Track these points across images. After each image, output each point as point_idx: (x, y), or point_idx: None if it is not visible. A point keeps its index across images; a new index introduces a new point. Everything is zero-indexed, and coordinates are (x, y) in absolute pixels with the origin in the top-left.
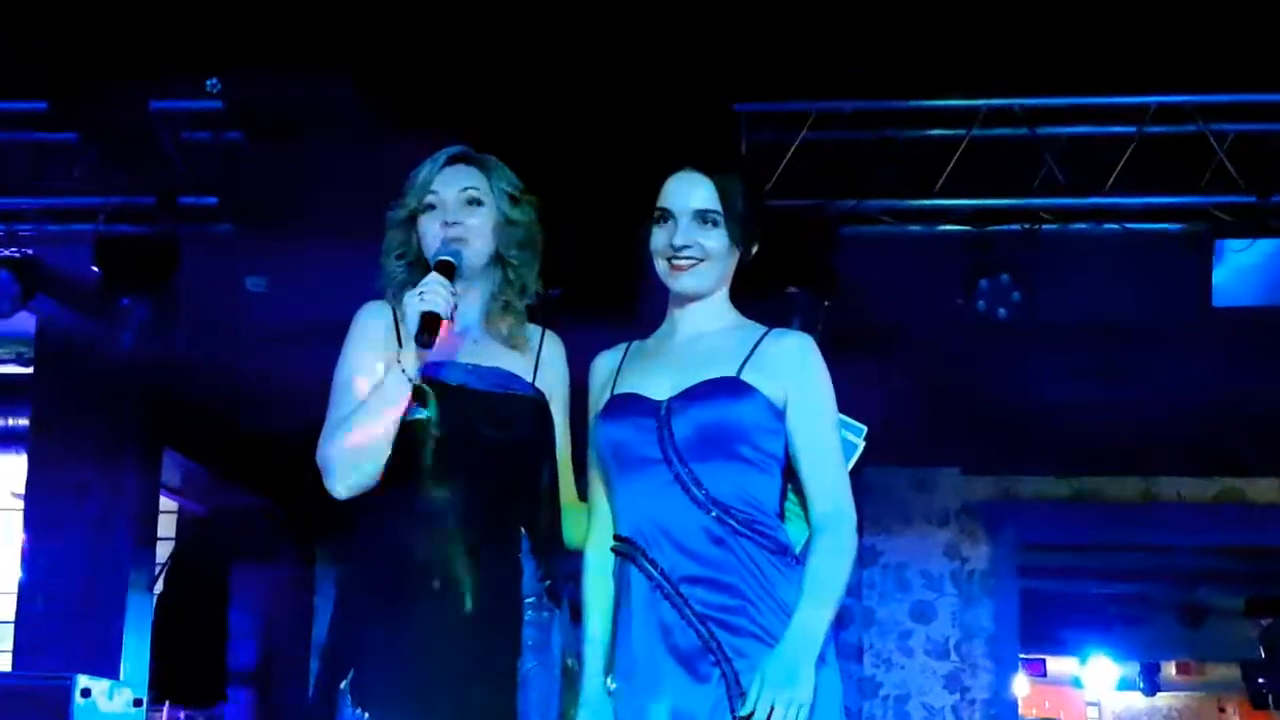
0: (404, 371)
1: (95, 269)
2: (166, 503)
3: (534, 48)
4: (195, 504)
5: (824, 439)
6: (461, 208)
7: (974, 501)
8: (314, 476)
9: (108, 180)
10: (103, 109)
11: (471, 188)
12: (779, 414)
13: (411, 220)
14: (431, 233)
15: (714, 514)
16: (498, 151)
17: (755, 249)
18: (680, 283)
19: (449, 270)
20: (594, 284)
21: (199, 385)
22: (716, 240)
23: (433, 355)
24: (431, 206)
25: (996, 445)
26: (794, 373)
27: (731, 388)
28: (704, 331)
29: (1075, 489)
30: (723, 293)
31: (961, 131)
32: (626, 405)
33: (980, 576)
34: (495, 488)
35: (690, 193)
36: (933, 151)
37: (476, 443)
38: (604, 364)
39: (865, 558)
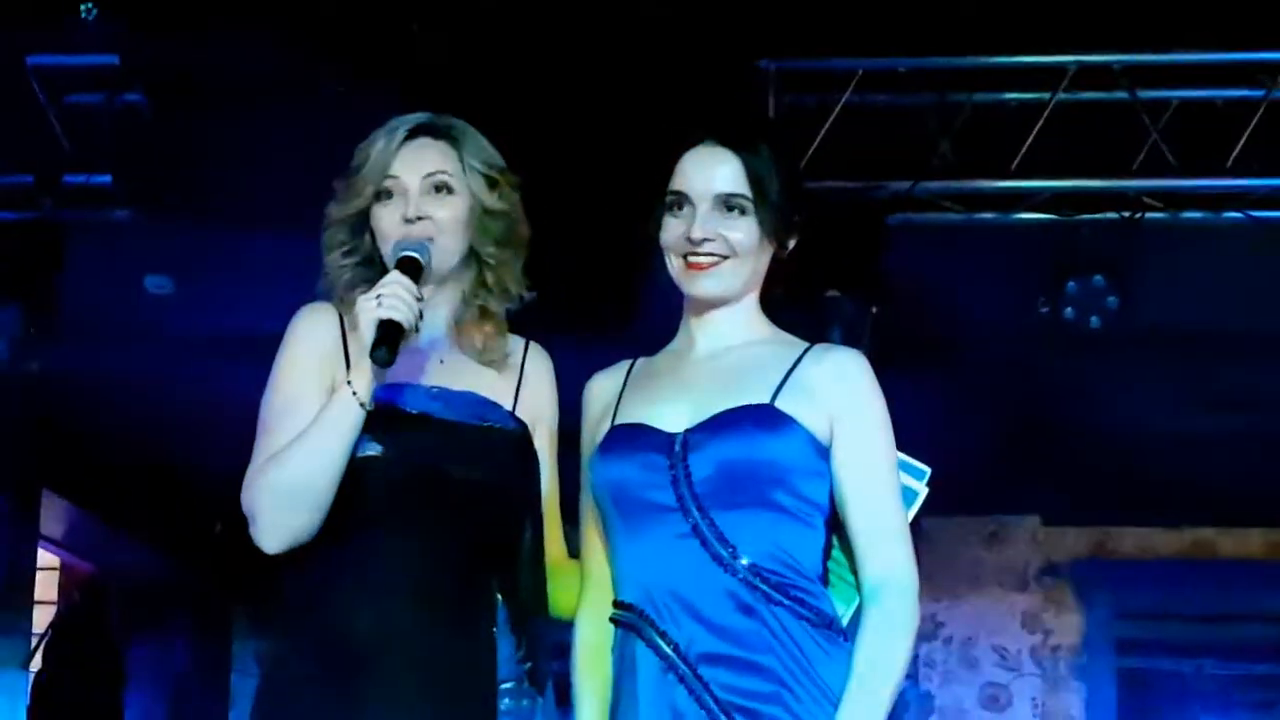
0: (354, 394)
1: None
2: (46, 558)
3: None
4: (82, 560)
5: (879, 483)
6: (427, 196)
7: (1060, 559)
8: (231, 526)
9: None
10: None
11: (440, 171)
12: (823, 451)
13: (363, 210)
14: (389, 225)
15: (742, 576)
16: (465, 117)
17: (793, 243)
18: (699, 285)
19: (414, 269)
20: (586, 285)
21: (87, 412)
22: (745, 232)
23: (390, 375)
24: (389, 194)
25: (1088, 488)
26: (842, 399)
27: (764, 418)
28: (728, 347)
29: (1187, 543)
30: (752, 298)
31: (1044, 95)
32: (631, 439)
33: (1068, 653)
34: (464, 543)
35: (712, 172)
36: (1008, 121)
37: (442, 486)
38: (602, 387)
39: (924, 630)
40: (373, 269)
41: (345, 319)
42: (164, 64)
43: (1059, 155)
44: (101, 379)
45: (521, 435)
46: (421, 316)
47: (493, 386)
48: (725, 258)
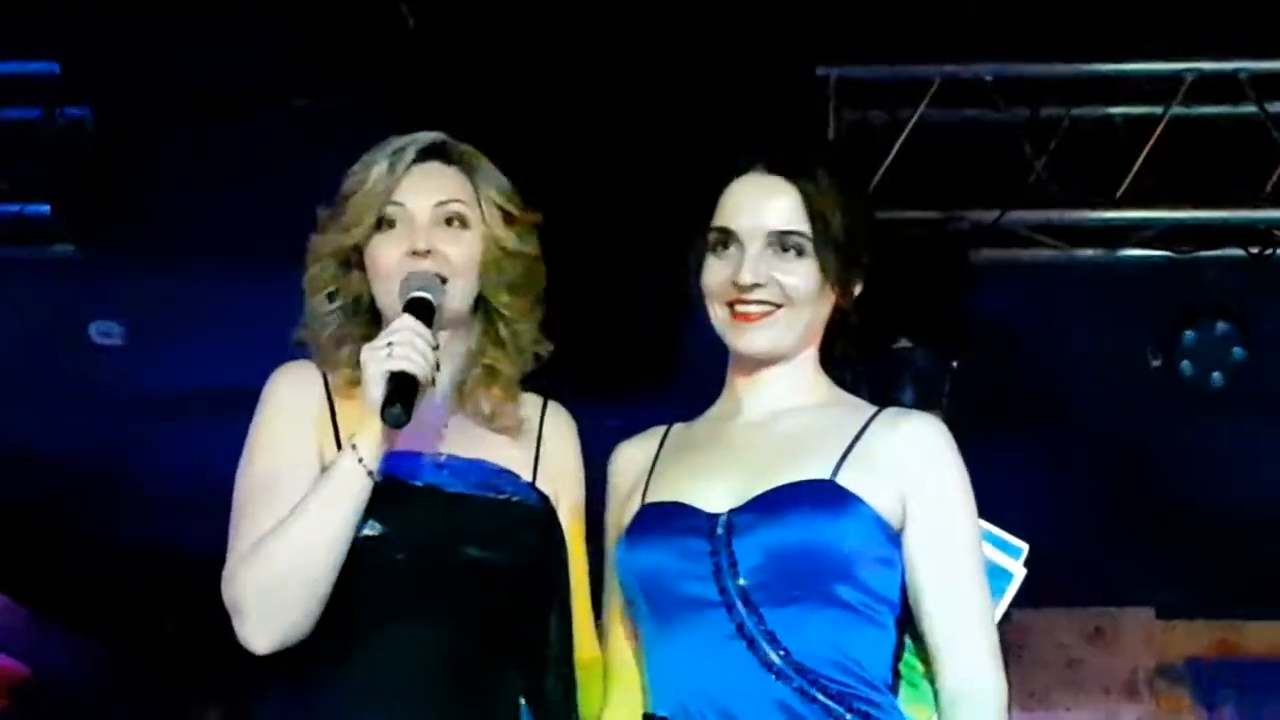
0: (360, 461)
1: None
2: None
3: None
4: (15, 660)
5: (959, 575)
6: (438, 228)
7: (1177, 660)
8: (181, 622)
9: None
10: None
11: (454, 200)
12: (893, 536)
13: (357, 243)
14: (390, 260)
15: (796, 684)
16: (475, 139)
17: (859, 289)
18: (747, 339)
19: (425, 312)
20: (611, 338)
21: (16, 485)
22: (803, 276)
23: (410, 444)
24: (391, 223)
25: (1210, 575)
26: (916, 474)
27: (823, 496)
28: (781, 412)
29: None
30: (809, 355)
31: (1156, 110)
32: (666, 520)
33: None
34: (480, 638)
35: (764, 206)
36: (1113, 140)
37: (453, 570)
38: (630, 458)
39: None
40: (361, 315)
41: (330, 379)
42: (112, 72)
43: (1174, 181)
44: (36, 445)
45: (544, 510)
46: (438, 367)
47: (507, 454)
48: (779, 306)
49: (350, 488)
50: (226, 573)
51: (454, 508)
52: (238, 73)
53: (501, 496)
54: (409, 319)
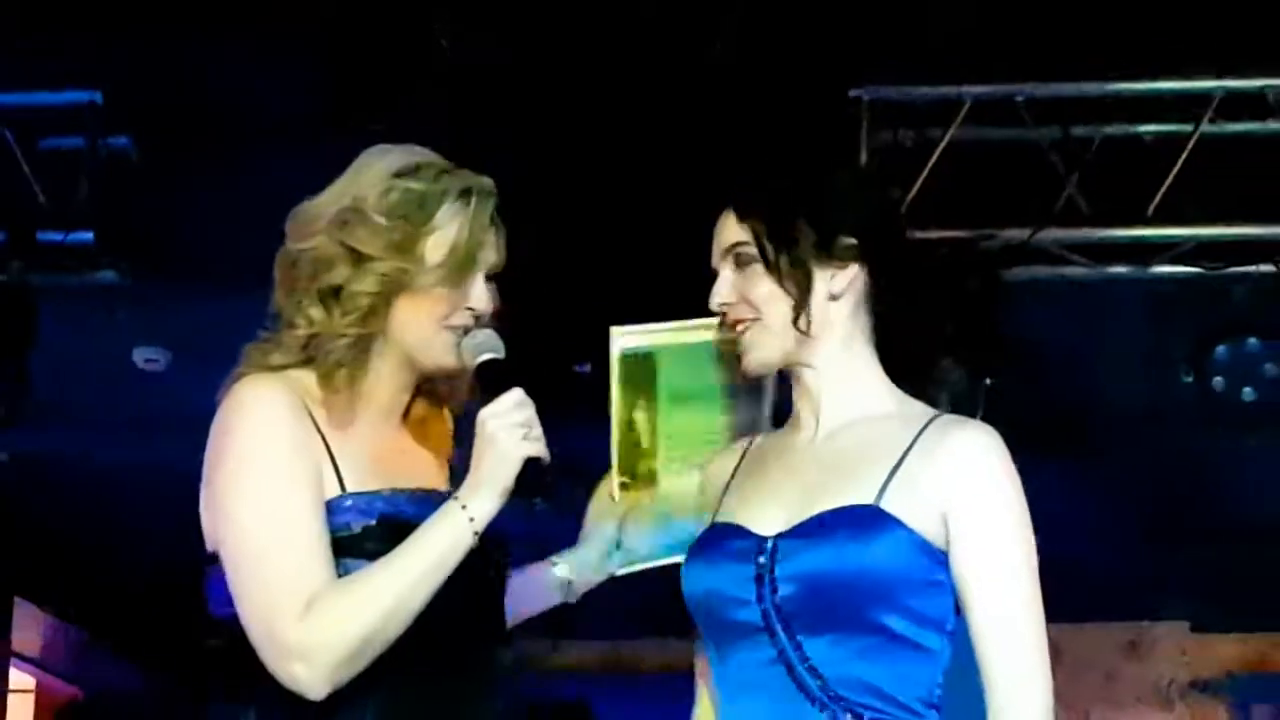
0: (471, 522)
1: None
2: (20, 679)
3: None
4: (62, 680)
5: (1007, 593)
6: (487, 295)
7: (1212, 673)
8: (231, 643)
9: None
10: None
11: (502, 263)
12: (939, 557)
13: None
14: (442, 316)
15: (830, 711)
16: (515, 166)
17: (855, 269)
18: (744, 360)
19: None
20: None
21: (66, 509)
22: (758, 282)
23: (368, 475)
24: (464, 279)
25: (1243, 590)
26: (958, 490)
27: (862, 521)
28: (840, 426)
29: None
30: (847, 361)
31: (1186, 128)
32: (721, 542)
33: None
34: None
35: (720, 234)
36: (1144, 157)
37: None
38: (713, 473)
39: None
40: (365, 340)
41: (305, 396)
42: (155, 101)
43: (1204, 197)
44: (83, 470)
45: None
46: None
47: (439, 477)
48: (754, 320)
49: (459, 551)
50: (285, 620)
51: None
52: (275, 102)
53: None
54: (522, 394)
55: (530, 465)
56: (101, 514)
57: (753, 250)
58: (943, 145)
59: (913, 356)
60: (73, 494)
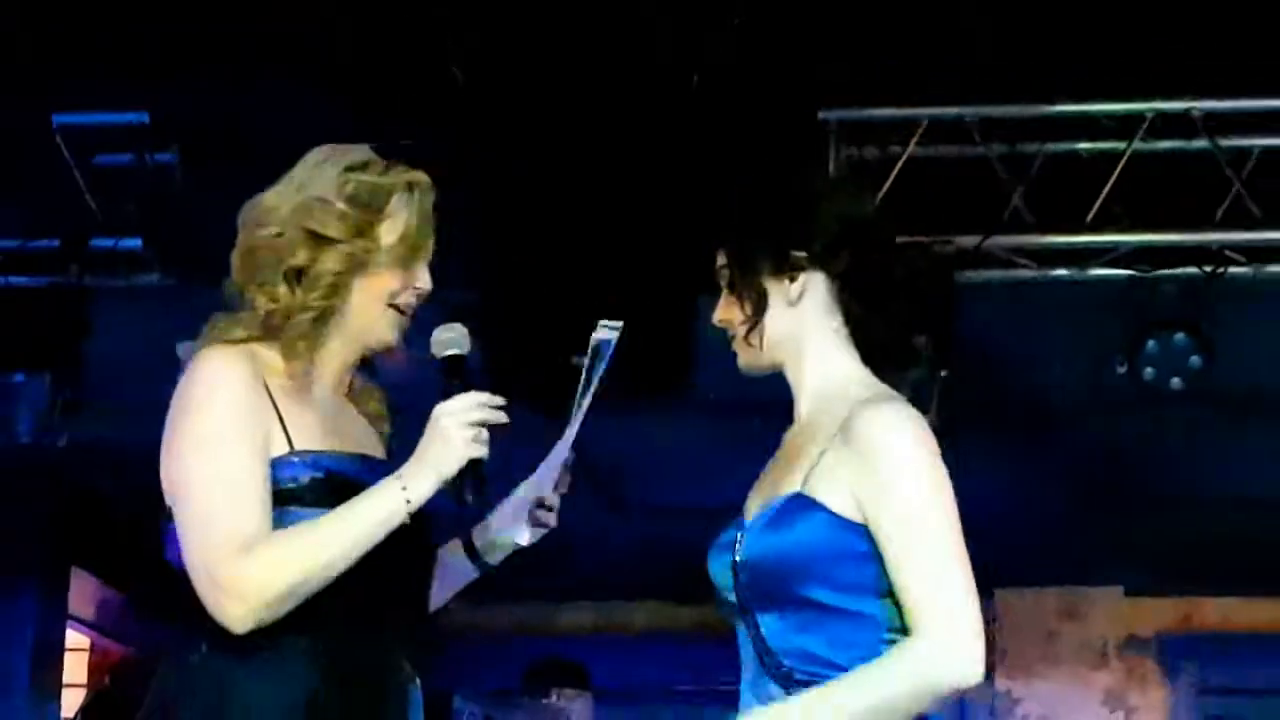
0: (405, 491)
1: None
2: (76, 638)
3: (552, 31)
4: (115, 641)
5: (913, 546)
6: (428, 279)
7: (1143, 633)
8: (187, 586)
9: None
10: None
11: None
12: (858, 529)
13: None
14: (392, 296)
15: (779, 678)
16: (508, 175)
17: (805, 276)
18: (738, 363)
19: (465, 372)
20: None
21: (117, 486)
22: (725, 303)
23: (319, 438)
24: (413, 261)
25: (1172, 557)
26: (861, 464)
27: (787, 509)
28: (803, 417)
29: (1278, 613)
30: (813, 356)
31: (1120, 145)
32: (721, 532)
33: None
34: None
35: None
36: (1082, 172)
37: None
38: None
39: (1000, 708)
40: (327, 316)
41: (261, 365)
42: (196, 121)
43: (1137, 208)
44: (132, 452)
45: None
46: None
47: (378, 446)
48: (733, 336)
49: (394, 520)
50: (222, 555)
51: None
52: (306, 123)
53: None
54: (483, 397)
55: (472, 464)
56: (148, 492)
57: (725, 271)
58: (902, 161)
59: (881, 348)
60: (123, 474)
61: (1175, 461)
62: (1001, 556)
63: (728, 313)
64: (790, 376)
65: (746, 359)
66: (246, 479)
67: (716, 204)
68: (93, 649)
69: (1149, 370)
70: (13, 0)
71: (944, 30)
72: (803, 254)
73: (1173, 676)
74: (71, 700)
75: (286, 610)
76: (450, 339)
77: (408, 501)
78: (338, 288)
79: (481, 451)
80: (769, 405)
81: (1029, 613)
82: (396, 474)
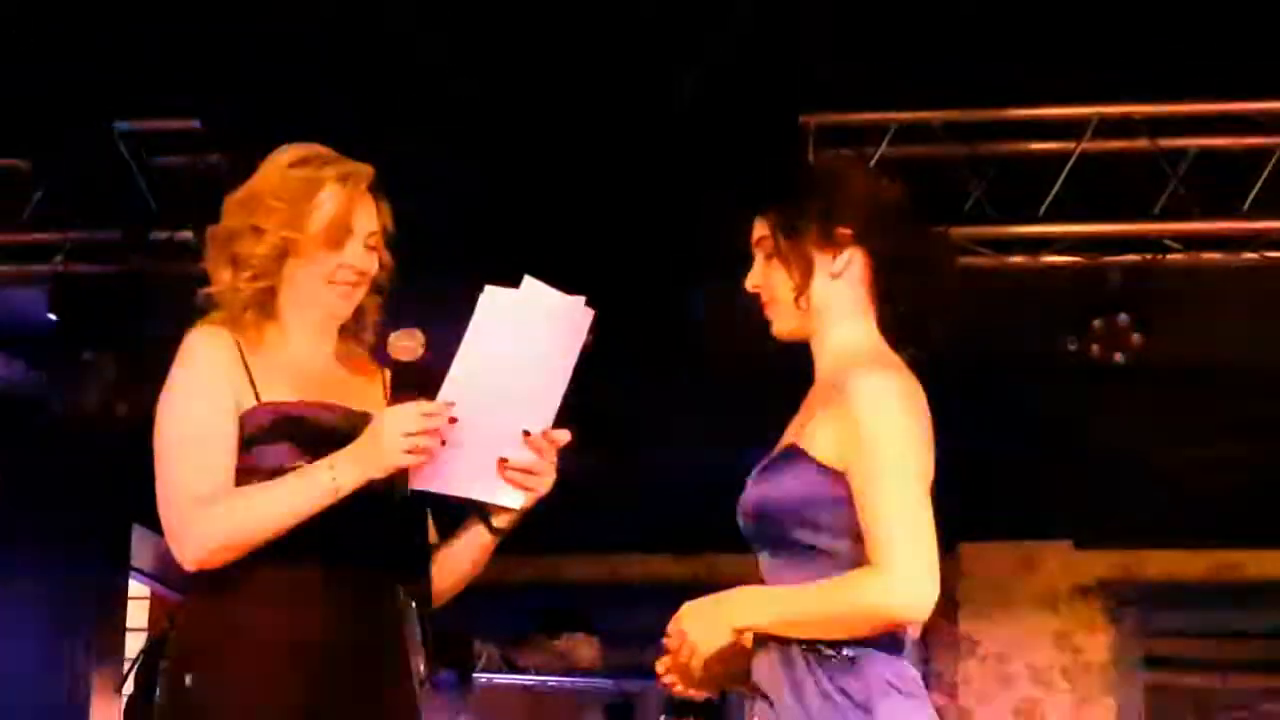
0: (334, 480)
1: (51, 316)
2: (137, 588)
3: (558, 44)
4: (172, 590)
5: (875, 491)
6: (367, 252)
7: (1089, 581)
8: None
9: (66, 213)
10: (60, 129)
11: (380, 232)
12: (837, 476)
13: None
14: (328, 274)
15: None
16: (510, 179)
17: (849, 254)
18: (772, 329)
19: (424, 380)
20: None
21: None
22: (777, 269)
23: (306, 395)
24: (341, 243)
25: (1116, 514)
26: (849, 419)
27: (782, 459)
28: (825, 380)
29: (1213, 565)
30: (837, 324)
31: (1069, 145)
32: (746, 480)
33: (1099, 670)
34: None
35: (754, 228)
36: (1035, 169)
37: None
38: None
39: (961, 649)
40: (266, 294)
41: (240, 342)
42: (243, 127)
43: (1084, 201)
44: None
45: None
46: None
47: (367, 398)
48: (771, 299)
49: (322, 501)
50: (178, 506)
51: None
52: (335, 129)
53: None
54: (429, 407)
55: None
56: None
57: (768, 241)
58: (873, 161)
59: (904, 325)
60: None
61: (1119, 428)
62: (965, 513)
63: (766, 279)
64: (814, 344)
65: (787, 325)
66: (206, 438)
67: (760, 177)
68: (154, 596)
69: (1095, 347)
70: (80, 26)
71: (913, 42)
72: (848, 230)
73: (1117, 621)
74: (133, 643)
75: (232, 558)
76: (406, 346)
77: (336, 487)
78: (268, 270)
79: (412, 461)
80: (771, 370)
81: (988, 565)
82: (330, 461)
